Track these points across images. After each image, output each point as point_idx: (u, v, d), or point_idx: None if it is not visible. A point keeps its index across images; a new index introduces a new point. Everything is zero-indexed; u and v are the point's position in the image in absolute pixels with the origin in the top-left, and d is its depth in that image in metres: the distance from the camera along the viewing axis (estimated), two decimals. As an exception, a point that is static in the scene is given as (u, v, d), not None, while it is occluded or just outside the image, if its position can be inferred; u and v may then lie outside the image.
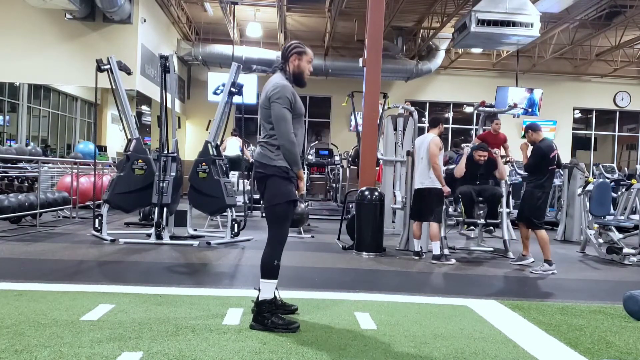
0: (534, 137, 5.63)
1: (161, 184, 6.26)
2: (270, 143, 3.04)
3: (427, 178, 5.69)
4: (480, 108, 8.11)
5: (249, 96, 12.02)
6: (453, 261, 5.69)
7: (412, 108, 7.70)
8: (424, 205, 5.72)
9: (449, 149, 11.72)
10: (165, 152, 6.49)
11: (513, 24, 10.36)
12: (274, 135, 3.02)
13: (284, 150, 2.99)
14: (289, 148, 2.98)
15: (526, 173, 5.75)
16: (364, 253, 5.98)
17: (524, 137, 5.95)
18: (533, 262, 5.64)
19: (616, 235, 6.35)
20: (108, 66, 6.67)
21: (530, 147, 5.68)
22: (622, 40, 14.49)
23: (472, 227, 6.89)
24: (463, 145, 6.49)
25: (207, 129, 7.09)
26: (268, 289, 3.01)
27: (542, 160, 5.46)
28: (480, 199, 6.21)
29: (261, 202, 3.26)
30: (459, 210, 6.34)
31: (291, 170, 3.03)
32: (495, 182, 6.98)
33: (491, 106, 8.53)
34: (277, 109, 2.97)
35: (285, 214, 3.04)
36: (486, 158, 6.22)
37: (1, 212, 6.66)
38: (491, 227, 6.49)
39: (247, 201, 8.57)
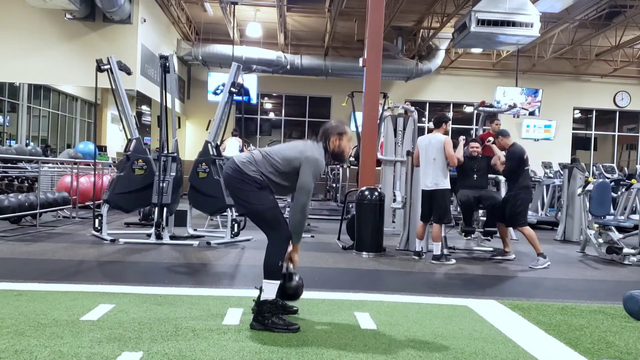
0: (504, 142, 6.00)
1: (161, 184, 6.26)
2: (269, 171, 3.02)
3: (442, 179, 5.65)
4: (480, 108, 8.13)
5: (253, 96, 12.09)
6: (453, 261, 5.69)
7: (412, 108, 7.70)
8: (438, 206, 5.65)
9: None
10: (165, 152, 6.49)
11: (513, 24, 10.36)
12: (277, 169, 3.02)
13: (294, 219, 3.01)
14: (300, 219, 3.02)
15: (506, 178, 6.04)
16: (364, 253, 5.98)
17: (493, 142, 6.29)
18: (514, 258, 5.99)
19: (616, 235, 6.35)
20: (108, 66, 6.66)
21: (502, 154, 6.04)
22: (622, 40, 14.50)
23: (469, 237, 6.95)
24: (460, 136, 6.52)
25: (207, 129, 7.10)
26: (270, 290, 3.00)
27: (519, 162, 5.79)
28: (480, 205, 6.23)
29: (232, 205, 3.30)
30: (458, 209, 6.35)
31: (265, 185, 3.01)
32: (494, 183, 6.99)
33: (491, 106, 8.54)
34: (307, 179, 2.99)
35: (275, 216, 3.04)
36: (480, 149, 6.30)
37: (1, 212, 6.66)
38: (489, 238, 6.51)
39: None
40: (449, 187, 5.70)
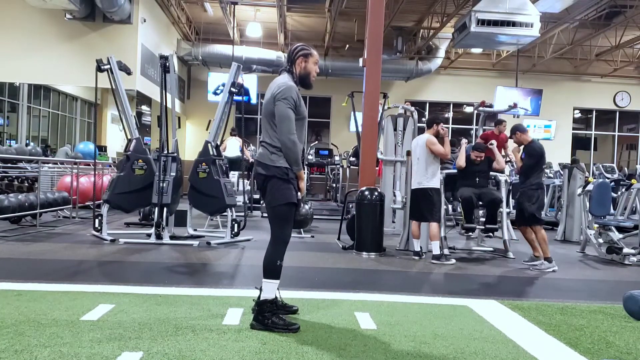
0: (522, 138, 5.70)
1: (161, 184, 6.26)
2: (271, 144, 3.04)
3: (425, 178, 5.70)
4: (480, 108, 8.12)
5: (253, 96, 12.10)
6: (453, 261, 5.69)
7: (412, 108, 7.70)
8: (423, 205, 5.73)
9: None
10: (165, 152, 6.49)
11: (513, 24, 10.36)
12: (276, 135, 3.02)
13: (284, 149, 2.98)
14: (290, 147, 2.97)
15: (522, 174, 5.75)
16: (364, 253, 5.98)
17: (511, 137, 6.02)
18: (542, 263, 5.54)
19: (616, 235, 6.35)
20: (108, 66, 6.66)
21: (520, 148, 5.78)
22: (622, 40, 14.50)
23: (470, 233, 6.91)
24: (462, 139, 6.48)
25: (207, 129, 7.10)
26: (270, 289, 3.01)
27: (540, 160, 5.58)
28: (480, 203, 6.22)
29: (261, 202, 3.29)
30: (458, 209, 6.34)
31: (291, 171, 3.03)
32: (495, 183, 6.98)
33: (491, 106, 8.54)
34: (281, 108, 2.97)
35: (286, 216, 3.04)
36: (482, 157, 6.26)
37: (1, 212, 6.66)
38: (490, 234, 6.48)
39: (247, 201, 8.57)
40: (436, 186, 5.73)
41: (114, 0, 10.28)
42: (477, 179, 6.24)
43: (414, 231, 5.90)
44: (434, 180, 5.71)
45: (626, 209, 7.78)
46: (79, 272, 4.61)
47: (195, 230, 6.95)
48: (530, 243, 5.69)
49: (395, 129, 8.06)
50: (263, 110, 3.12)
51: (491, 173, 6.51)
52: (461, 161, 6.17)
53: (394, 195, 7.63)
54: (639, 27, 13.42)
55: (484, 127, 8.97)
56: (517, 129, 5.77)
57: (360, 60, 7.57)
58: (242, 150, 8.62)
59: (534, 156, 5.58)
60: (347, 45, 14.02)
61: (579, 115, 18.67)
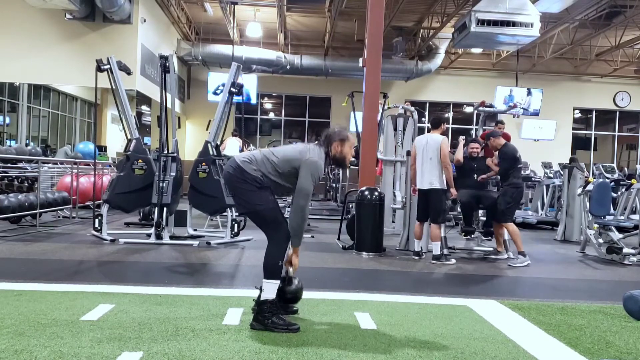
0: (495, 142, 5.99)
1: (161, 184, 6.26)
2: (265, 164, 3.03)
3: (437, 179, 5.65)
4: (480, 108, 8.11)
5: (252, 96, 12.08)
6: (453, 261, 5.69)
7: (412, 108, 7.70)
8: (432, 206, 5.66)
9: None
10: (165, 152, 6.49)
11: (513, 24, 10.37)
12: (277, 169, 3.02)
13: (293, 222, 3.00)
14: (300, 223, 3.01)
15: (501, 177, 6.02)
16: (364, 253, 5.98)
17: (486, 145, 6.27)
18: (507, 257, 5.97)
19: (616, 235, 6.34)
20: (108, 66, 6.66)
21: (496, 154, 6.06)
22: (622, 40, 14.50)
23: (469, 236, 6.92)
24: (460, 138, 6.50)
25: (207, 129, 7.10)
26: (270, 290, 3.01)
27: (514, 162, 5.82)
28: (480, 205, 6.23)
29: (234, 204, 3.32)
30: (458, 210, 6.34)
31: (267, 178, 3.01)
32: (495, 183, 6.99)
33: (491, 106, 8.54)
34: (306, 181, 2.99)
35: (275, 216, 3.04)
36: (479, 149, 6.28)
37: (1, 212, 6.66)
38: (489, 237, 6.49)
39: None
40: (445, 187, 5.70)
41: (114, 0, 10.28)
42: (476, 177, 6.23)
43: (416, 232, 5.88)
44: (442, 180, 5.68)
45: (626, 209, 7.78)
46: (79, 272, 4.61)
47: (195, 230, 6.95)
48: (496, 237, 6.09)
49: (395, 129, 8.05)
50: (281, 152, 3.10)
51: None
52: (459, 155, 6.17)
53: (394, 195, 7.62)
54: (639, 27, 13.43)
55: (484, 127, 8.96)
56: (491, 135, 6.09)
57: (360, 60, 7.57)
58: (242, 150, 8.62)
59: (507, 159, 5.86)
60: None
61: (579, 115, 18.68)
